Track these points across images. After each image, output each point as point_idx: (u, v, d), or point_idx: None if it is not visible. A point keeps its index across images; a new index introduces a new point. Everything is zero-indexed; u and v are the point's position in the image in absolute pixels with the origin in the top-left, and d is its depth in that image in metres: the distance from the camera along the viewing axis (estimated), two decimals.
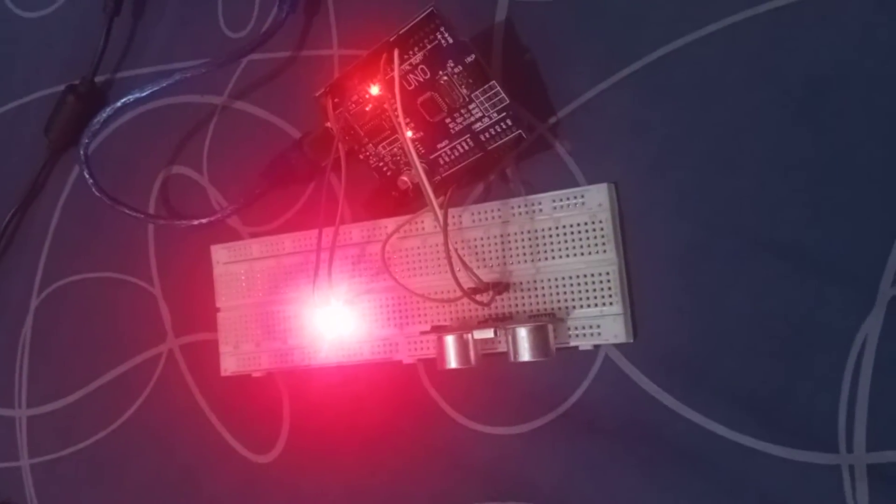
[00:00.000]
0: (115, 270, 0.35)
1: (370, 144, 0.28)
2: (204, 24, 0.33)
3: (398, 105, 0.24)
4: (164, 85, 0.28)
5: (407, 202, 0.28)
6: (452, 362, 0.25)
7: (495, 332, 0.25)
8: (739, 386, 0.24)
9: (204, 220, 0.32)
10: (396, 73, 0.24)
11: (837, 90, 0.23)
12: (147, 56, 0.35)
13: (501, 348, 0.26)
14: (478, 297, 0.25)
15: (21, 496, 0.36)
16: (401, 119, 0.24)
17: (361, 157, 0.28)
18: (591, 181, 0.26)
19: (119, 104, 0.28)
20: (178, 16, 0.34)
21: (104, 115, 0.29)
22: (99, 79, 0.35)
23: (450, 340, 0.25)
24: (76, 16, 0.37)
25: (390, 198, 0.28)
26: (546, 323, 0.24)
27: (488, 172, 0.28)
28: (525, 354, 0.24)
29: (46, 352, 0.37)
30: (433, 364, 0.26)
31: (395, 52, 0.24)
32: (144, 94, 0.28)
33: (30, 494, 0.36)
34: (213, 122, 0.33)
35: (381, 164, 0.28)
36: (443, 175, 0.27)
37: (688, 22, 0.25)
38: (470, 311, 0.27)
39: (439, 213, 0.25)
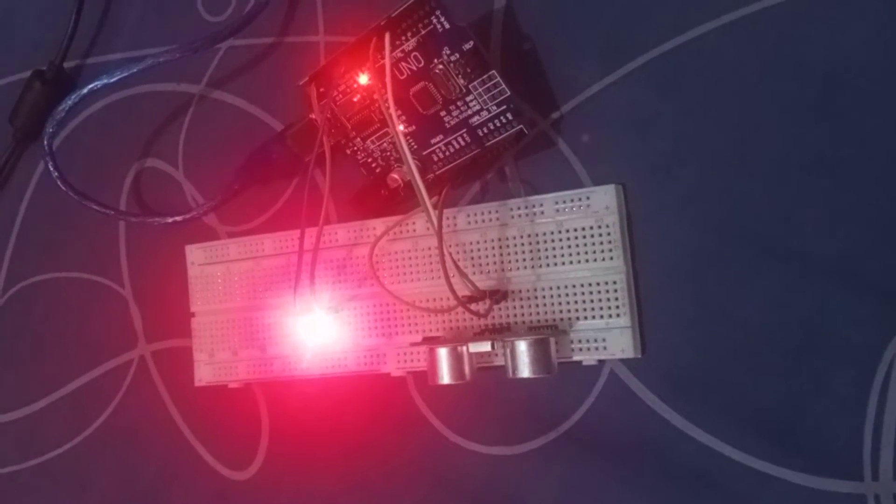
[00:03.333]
0: (85, 270, 0.33)
1: (358, 138, 0.26)
2: (181, 6, 0.31)
3: (389, 95, 0.22)
4: (135, 70, 0.26)
5: (397, 201, 0.26)
6: (445, 377, 0.23)
7: (492, 346, 0.23)
8: (754, 405, 0.22)
9: (179, 218, 0.30)
10: (388, 60, 0.22)
11: (860, 84, 0.22)
12: (119, 40, 0.33)
13: (498, 362, 0.24)
14: (473, 307, 0.23)
15: None
16: (392, 110, 0.22)
17: (348, 151, 0.26)
18: (596, 181, 0.24)
19: (86, 91, 0.26)
20: None
21: (70, 101, 0.26)
22: (68, 64, 0.33)
23: (443, 353, 0.23)
24: None
25: (379, 196, 0.26)
26: (548, 336, 0.22)
27: (486, 170, 0.26)
28: (524, 370, 0.22)
29: (9, 356, 0.34)
30: (423, 377, 0.24)
31: (387, 37, 0.22)
32: (113, 79, 0.26)
33: None
34: (189, 112, 0.31)
35: (369, 159, 0.26)
36: (436, 173, 0.25)
37: (701, 11, 0.23)
38: (464, 321, 0.25)
39: (433, 214, 0.23)
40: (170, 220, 0.30)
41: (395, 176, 0.26)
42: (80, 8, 0.32)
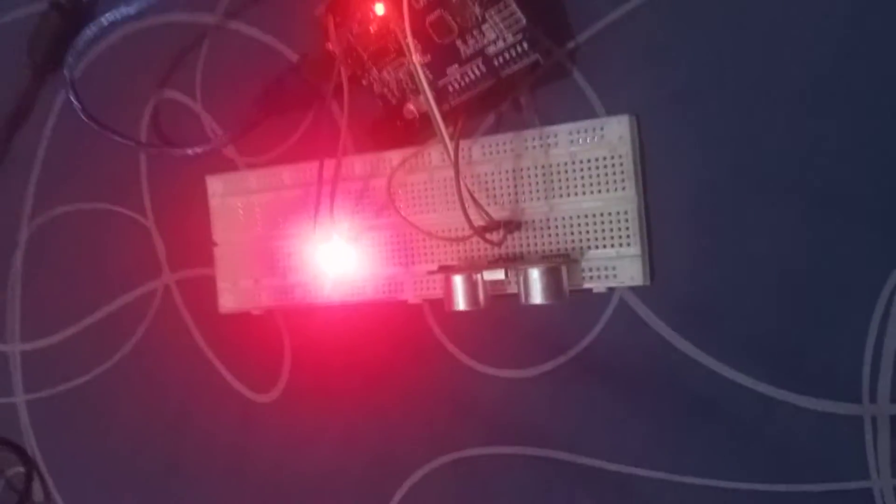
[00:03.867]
0: (107, 201, 0.33)
1: (374, 69, 0.26)
2: None
3: (407, 25, 0.22)
4: (154, 1, 0.26)
5: (413, 132, 0.26)
6: (461, 304, 0.24)
7: (506, 274, 0.24)
8: (759, 332, 0.23)
9: (198, 149, 0.30)
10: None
11: (888, 20, 0.21)
12: None
13: (511, 290, 0.25)
14: (488, 236, 0.24)
15: (17, 432, 0.36)
16: (410, 41, 0.22)
17: (364, 83, 0.27)
18: (610, 112, 0.24)
19: (106, 22, 0.26)
20: None
21: (90, 32, 0.27)
22: None
23: (458, 281, 0.24)
24: None
25: (395, 128, 0.27)
26: (559, 264, 0.23)
27: (501, 101, 0.26)
28: (537, 297, 0.23)
29: (38, 285, 0.35)
30: (439, 304, 0.25)
31: None
32: (132, 9, 0.26)
33: (26, 430, 0.36)
34: (205, 43, 0.31)
35: (385, 90, 0.26)
36: (452, 103, 0.25)
37: None
38: (479, 250, 0.26)
39: (449, 145, 0.23)
40: (189, 151, 0.30)
41: (411, 107, 0.26)
42: None
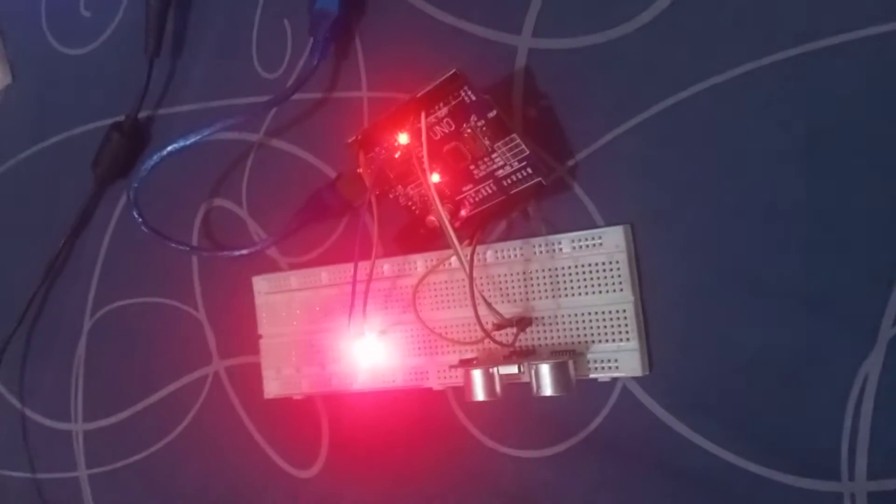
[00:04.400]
0: (162, 296, 0.37)
1: (399, 186, 0.30)
2: (239, 64, 0.35)
3: (426, 162, 0.26)
4: (207, 133, 0.30)
5: (435, 238, 0.30)
6: (480, 395, 0.27)
7: (519, 368, 0.27)
8: (748, 416, 0.26)
9: (245, 251, 0.34)
10: (424, 136, 0.26)
11: (840, 139, 0.24)
12: (187, 94, 0.37)
13: (525, 379, 0.28)
14: (501, 334, 0.27)
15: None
16: (429, 178, 0.26)
17: (391, 196, 0.30)
18: (607, 220, 0.28)
19: (165, 152, 0.31)
20: (215, 57, 0.36)
21: (152, 162, 0.31)
22: (142, 115, 0.37)
23: (476, 375, 0.27)
24: (117, 52, 0.39)
25: (419, 234, 0.30)
26: (567, 360, 0.26)
27: (511, 212, 0.29)
28: (547, 389, 0.26)
29: (99, 371, 0.39)
30: (462, 391, 0.28)
31: (423, 117, 0.26)
32: (189, 142, 0.30)
33: (88, 502, 0.39)
34: (250, 158, 0.35)
35: (410, 203, 0.30)
36: (467, 215, 0.29)
37: (696, 73, 0.26)
38: (496, 343, 0.29)
39: (464, 259, 0.26)
40: (237, 253, 0.34)
41: (433, 218, 0.29)
42: (150, 67, 0.36)
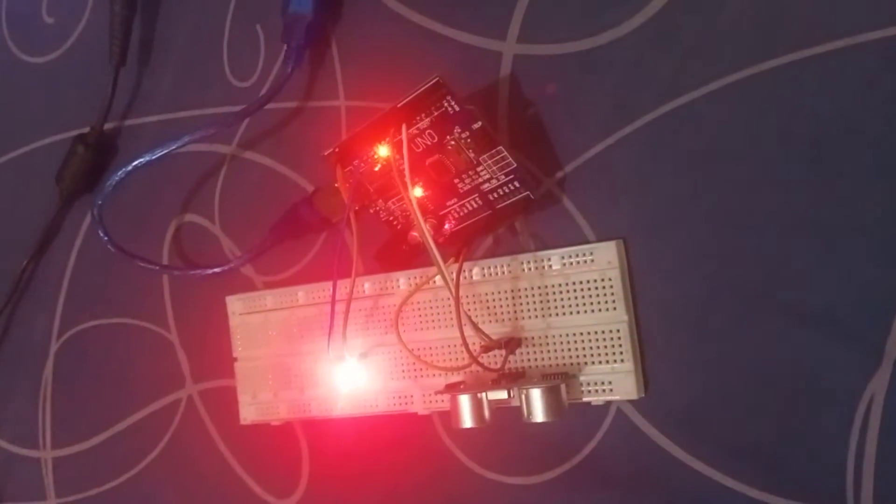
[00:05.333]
0: (132, 317, 0.36)
1: (380, 200, 0.28)
2: (210, 73, 0.34)
3: (407, 176, 0.24)
4: (174, 147, 0.28)
5: (418, 255, 0.29)
6: (467, 422, 0.25)
7: (509, 393, 0.25)
8: (748, 440, 0.25)
9: (217, 269, 0.33)
10: (405, 149, 0.24)
11: (843, 149, 0.23)
12: (154, 104, 0.35)
13: (515, 403, 0.26)
14: (488, 359, 0.26)
15: None
16: (410, 192, 0.24)
17: (371, 211, 0.29)
18: (599, 235, 0.26)
19: (130, 167, 0.29)
20: (184, 65, 0.34)
21: (116, 177, 0.29)
22: (107, 126, 0.35)
23: (464, 401, 0.25)
24: (81, 61, 0.37)
25: (401, 251, 0.29)
26: (558, 383, 0.25)
27: (498, 227, 0.28)
28: (538, 415, 0.25)
29: (68, 395, 0.37)
30: (448, 415, 0.27)
31: (404, 129, 0.24)
32: (155, 156, 0.29)
33: None
34: (222, 171, 0.33)
35: (391, 218, 0.29)
36: (452, 231, 0.27)
37: (692, 78, 0.25)
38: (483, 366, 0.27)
39: (449, 278, 0.25)
40: (209, 271, 0.33)
41: (415, 234, 0.28)
42: (116, 76, 0.34)
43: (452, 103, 0.24)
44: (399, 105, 0.25)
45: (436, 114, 0.25)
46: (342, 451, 0.31)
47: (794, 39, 0.24)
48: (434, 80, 0.24)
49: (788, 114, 0.24)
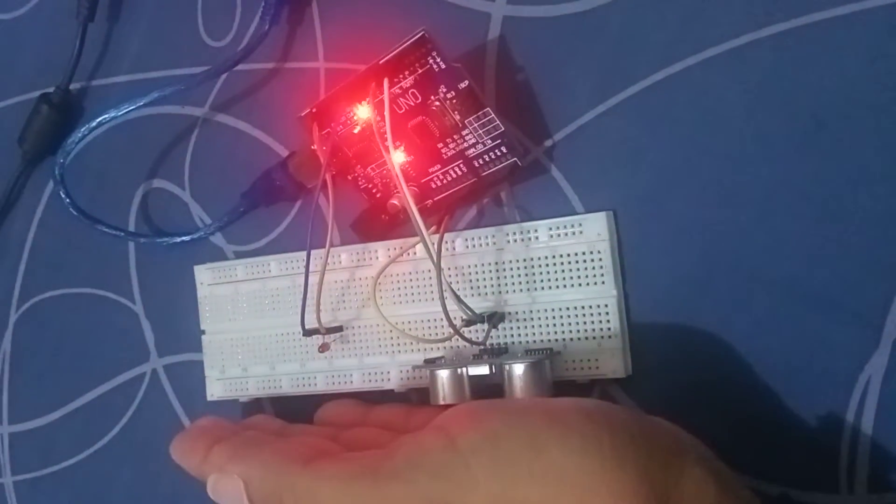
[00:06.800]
0: (96, 286, 0.34)
1: (359, 166, 0.27)
2: (183, 31, 0.32)
3: (388, 136, 0.23)
4: (142, 104, 0.27)
5: (397, 224, 0.27)
6: (447, 398, 0.24)
7: (491, 369, 0.24)
8: (740, 423, 0.24)
9: (186, 238, 0.31)
10: (387, 107, 0.23)
11: (844, 121, 0.22)
12: (124, 63, 0.33)
13: (496, 380, 0.25)
14: (471, 331, 0.25)
15: None
16: (391, 155, 0.23)
17: (350, 177, 0.27)
18: (588, 207, 0.25)
19: (94, 123, 0.27)
20: (156, 22, 0.33)
21: (79, 134, 0.27)
22: (74, 86, 0.34)
23: (443, 376, 0.24)
24: (48, 17, 0.36)
25: (380, 221, 0.27)
26: (543, 359, 0.24)
27: (482, 196, 0.27)
28: (521, 392, 0.23)
29: (27, 368, 0.36)
30: (426, 393, 0.25)
31: (385, 83, 0.23)
32: (121, 112, 0.27)
33: None
34: (194, 134, 0.32)
35: (370, 185, 0.27)
36: (434, 199, 0.26)
37: (689, 44, 0.24)
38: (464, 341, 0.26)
39: (431, 248, 0.24)
40: (178, 239, 0.31)
41: (395, 202, 0.27)
42: (84, 34, 0.32)
43: (438, 60, 0.23)
44: (381, 61, 0.23)
45: (420, 71, 0.24)
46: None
47: (795, 5, 0.23)
48: (420, 34, 0.23)
49: (788, 83, 0.23)
